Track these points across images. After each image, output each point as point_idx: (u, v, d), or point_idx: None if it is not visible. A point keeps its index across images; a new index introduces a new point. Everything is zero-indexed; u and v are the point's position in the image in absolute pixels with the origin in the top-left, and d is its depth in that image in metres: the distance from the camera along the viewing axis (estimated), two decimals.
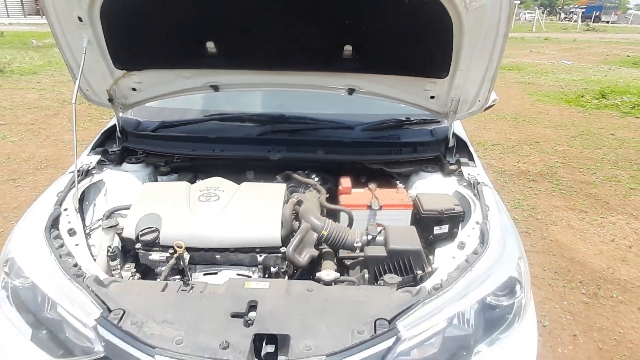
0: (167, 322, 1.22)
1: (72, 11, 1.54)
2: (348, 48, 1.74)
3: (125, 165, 2.03)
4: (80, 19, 1.56)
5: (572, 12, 56.32)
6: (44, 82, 9.44)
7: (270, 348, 1.16)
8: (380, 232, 1.59)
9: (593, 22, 45.01)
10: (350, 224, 1.72)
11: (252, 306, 1.27)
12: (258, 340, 1.17)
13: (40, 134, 5.84)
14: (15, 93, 8.21)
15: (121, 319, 1.20)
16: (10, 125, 6.16)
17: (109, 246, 1.61)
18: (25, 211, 1.67)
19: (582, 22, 42.73)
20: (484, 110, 2.43)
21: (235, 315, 1.24)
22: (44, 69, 11.11)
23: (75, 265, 1.37)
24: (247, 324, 1.22)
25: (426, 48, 1.71)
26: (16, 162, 4.84)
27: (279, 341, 1.17)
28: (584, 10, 55.38)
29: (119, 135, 2.04)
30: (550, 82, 10.56)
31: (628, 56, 16.80)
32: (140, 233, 1.56)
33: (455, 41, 1.61)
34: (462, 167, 1.98)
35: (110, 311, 1.21)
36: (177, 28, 1.71)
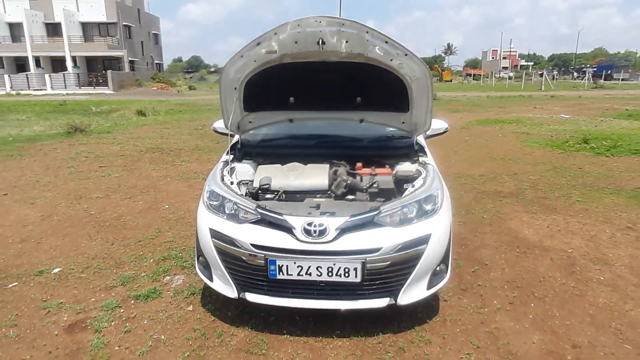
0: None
1: (234, 85, 3.42)
2: (359, 98, 3.56)
3: (243, 160, 3.83)
4: (235, 88, 3.44)
5: (583, 70, 58.13)
6: (119, 138, 11.63)
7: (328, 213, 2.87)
8: (375, 182, 3.31)
9: (604, 80, 46.46)
10: (361, 180, 3.44)
11: (318, 205, 2.99)
12: (321, 213, 2.88)
13: (134, 172, 7.78)
14: (100, 146, 10.33)
15: (265, 207, 2.93)
16: (110, 167, 8.15)
17: (245, 193, 3.38)
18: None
19: (592, 80, 44.06)
20: (440, 134, 4.20)
21: (311, 207, 2.97)
22: (114, 129, 13.43)
23: (237, 193, 3.12)
24: (317, 207, 2.94)
25: (397, 97, 3.50)
26: (126, 188, 6.72)
27: (330, 213, 2.88)
28: (595, 69, 57.30)
29: (239, 146, 3.86)
30: (543, 132, 11.94)
31: (626, 109, 17.91)
32: (261, 184, 3.32)
33: (409, 94, 3.40)
34: (420, 158, 3.69)
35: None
36: (276, 91, 3.57)
